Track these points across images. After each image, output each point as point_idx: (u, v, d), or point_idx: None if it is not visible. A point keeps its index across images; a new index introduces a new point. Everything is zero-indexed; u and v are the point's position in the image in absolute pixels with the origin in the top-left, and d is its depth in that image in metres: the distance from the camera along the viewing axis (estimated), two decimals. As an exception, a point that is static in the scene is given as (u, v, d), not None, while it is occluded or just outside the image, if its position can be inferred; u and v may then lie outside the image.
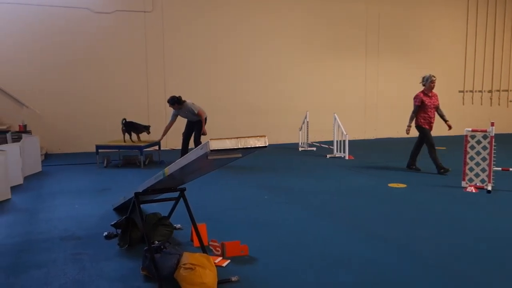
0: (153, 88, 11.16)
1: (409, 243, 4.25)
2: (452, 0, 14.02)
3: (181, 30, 11.26)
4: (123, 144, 8.75)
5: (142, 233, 3.96)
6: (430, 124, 7.85)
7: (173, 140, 11.29)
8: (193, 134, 8.84)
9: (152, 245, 3.55)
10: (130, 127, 8.88)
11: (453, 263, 3.75)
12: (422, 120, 7.80)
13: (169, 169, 3.54)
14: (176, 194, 4.09)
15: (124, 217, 4.23)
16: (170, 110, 11.32)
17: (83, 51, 10.55)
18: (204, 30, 11.45)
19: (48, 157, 9.77)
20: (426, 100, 7.72)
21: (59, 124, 10.51)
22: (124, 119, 8.96)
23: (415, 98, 7.81)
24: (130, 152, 9.16)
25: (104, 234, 4.43)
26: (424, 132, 7.81)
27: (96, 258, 3.88)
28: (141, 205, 3.92)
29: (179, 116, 8.83)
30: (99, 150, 8.68)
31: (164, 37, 11.11)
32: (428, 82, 7.70)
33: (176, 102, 8.64)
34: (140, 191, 3.93)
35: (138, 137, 8.98)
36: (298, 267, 3.68)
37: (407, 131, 7.91)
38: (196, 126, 8.82)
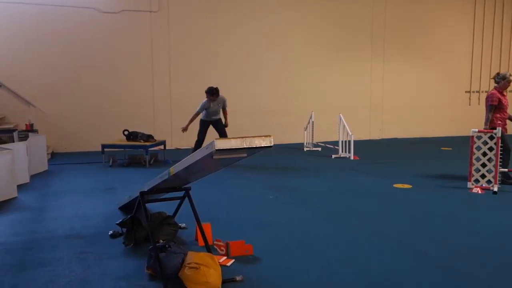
0: (158, 87, 11.18)
1: (414, 243, 4.24)
2: (459, 1, 13.94)
3: (186, 30, 11.28)
4: (129, 143, 8.78)
5: (147, 232, 3.97)
6: (505, 126, 6.95)
7: (179, 140, 11.31)
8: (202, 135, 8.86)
9: (157, 244, 3.56)
10: (132, 138, 8.92)
11: (458, 263, 3.73)
12: (498, 122, 6.88)
13: (174, 169, 3.55)
14: (181, 194, 4.09)
15: (129, 216, 4.24)
16: (178, 108, 11.41)
17: (90, 51, 10.59)
18: (209, 30, 11.45)
19: (54, 156, 9.82)
20: (503, 99, 6.91)
21: (65, 123, 10.55)
22: (126, 130, 9.00)
23: (491, 96, 6.92)
24: (135, 151, 9.19)
25: (109, 233, 4.45)
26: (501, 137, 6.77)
27: (101, 256, 3.89)
28: (146, 204, 3.93)
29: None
30: (105, 149, 8.71)
31: (170, 37, 11.13)
32: (504, 81, 6.92)
33: (215, 92, 8.68)
34: (146, 190, 3.94)
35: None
36: (301, 267, 3.68)
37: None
38: (219, 125, 8.87)
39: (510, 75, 6.94)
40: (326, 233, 4.56)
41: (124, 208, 5.26)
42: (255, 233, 4.54)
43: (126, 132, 9.02)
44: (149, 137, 8.92)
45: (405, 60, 13.46)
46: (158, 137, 9.71)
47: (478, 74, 14.30)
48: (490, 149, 6.47)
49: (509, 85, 6.98)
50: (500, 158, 6.48)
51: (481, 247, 4.15)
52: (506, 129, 6.94)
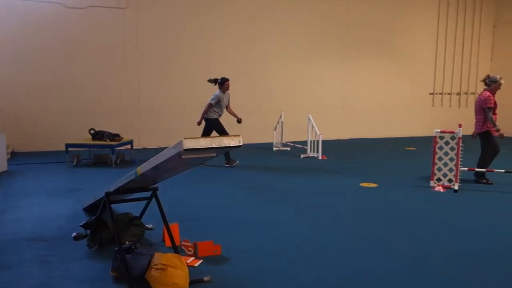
0: (126, 86, 10.99)
1: (385, 241, 4.32)
2: (425, 6, 14.31)
3: (157, 27, 11.12)
4: (94, 142, 8.59)
5: (113, 233, 3.89)
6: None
7: (146, 139, 11.16)
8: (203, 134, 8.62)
9: (123, 246, 3.49)
10: (98, 137, 8.70)
11: (426, 258, 3.82)
12: (489, 124, 6.96)
13: (141, 168, 3.49)
14: (148, 194, 4.03)
15: (94, 217, 4.14)
16: (146, 107, 11.25)
17: (54, 47, 10.30)
18: (180, 28, 11.34)
19: (14, 156, 9.50)
20: (496, 101, 6.97)
21: (27, 122, 10.23)
22: (92, 129, 8.81)
23: (488, 99, 6.89)
24: (101, 151, 9.00)
25: (72, 235, 4.33)
26: (491, 140, 7.01)
27: (64, 259, 3.79)
28: (112, 205, 3.85)
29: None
30: (69, 149, 8.49)
31: (139, 34, 10.96)
32: (496, 84, 7.00)
33: (227, 81, 8.39)
34: (111, 190, 3.86)
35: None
36: (272, 266, 3.69)
37: (503, 136, 6.88)
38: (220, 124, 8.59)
39: (500, 78, 7.08)
40: (296, 233, 4.58)
41: (89, 209, 5.14)
42: (223, 233, 4.53)
43: (92, 131, 8.82)
44: (115, 136, 8.73)
45: (374, 62, 13.71)
46: (125, 136, 9.56)
47: (441, 77, 14.71)
48: (452, 148, 6.67)
49: (499, 88, 7.09)
50: (486, 158, 6.93)
51: (445, 242, 4.27)
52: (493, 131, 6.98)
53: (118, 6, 10.68)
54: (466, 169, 6.85)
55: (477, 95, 15.17)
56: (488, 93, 7.00)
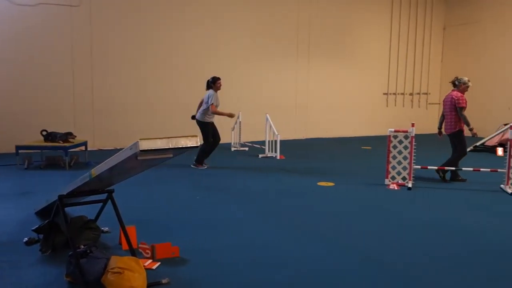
0: (79, 86, 10.68)
1: (342, 238, 4.41)
2: (379, 6, 14.69)
3: (110, 26, 10.87)
4: (47, 144, 8.30)
5: (67, 237, 3.79)
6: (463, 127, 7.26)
7: (101, 140, 10.90)
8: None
9: (78, 250, 3.41)
10: (50, 139, 8.41)
11: (382, 255, 3.93)
12: (463, 124, 7.14)
13: (96, 170, 3.42)
14: (103, 196, 3.95)
15: (46, 221, 4.01)
16: (100, 107, 10.97)
17: (2, 45, 9.88)
18: (135, 27, 11.13)
19: (-39, 159, 9.06)
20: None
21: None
22: (44, 130, 8.51)
23: (461, 98, 7.04)
24: (54, 152, 8.71)
25: (24, 240, 4.18)
26: (463, 139, 7.21)
27: (16, 265, 3.65)
28: (66, 208, 3.74)
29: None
30: (20, 151, 8.17)
31: (93, 33, 10.68)
32: (465, 86, 7.15)
33: (218, 80, 8.19)
34: (65, 193, 3.75)
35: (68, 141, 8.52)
36: (231, 267, 3.69)
37: (476, 134, 7.18)
38: (215, 126, 8.38)
39: (469, 80, 7.21)
40: (255, 233, 4.61)
41: (42, 213, 4.98)
42: (182, 234, 4.49)
43: (44, 133, 8.52)
44: (67, 135, 8.46)
45: (329, 62, 13.95)
46: (79, 137, 9.29)
47: (394, 77, 15.15)
48: (405, 147, 6.89)
49: (467, 90, 7.23)
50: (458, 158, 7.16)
51: (400, 238, 4.41)
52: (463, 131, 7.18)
53: (70, 4, 10.37)
54: (419, 167, 7.09)
55: (429, 96, 15.76)
56: (459, 93, 7.13)
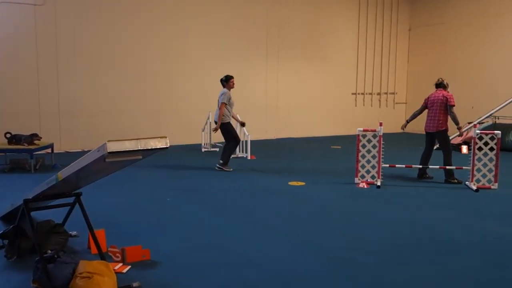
0: (45, 87, 10.40)
1: (312, 238, 4.44)
2: (346, 8, 14.90)
3: (76, 26, 10.63)
4: (10, 147, 8.05)
5: (33, 243, 3.68)
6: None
7: (68, 142, 10.66)
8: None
9: (45, 255, 3.32)
10: (15, 141, 8.14)
11: (352, 254, 3.98)
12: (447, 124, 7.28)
13: (62, 173, 3.34)
14: (71, 200, 3.86)
15: (11, 226, 3.90)
16: (67, 109, 10.71)
17: (-39, 45, 9.55)
18: (101, 27, 10.93)
19: None
20: None
21: None
22: (8, 132, 8.25)
23: (452, 97, 7.16)
24: (18, 155, 8.46)
25: (-12, 246, 4.05)
26: (448, 138, 7.37)
27: (-22, 273, 3.53)
28: (32, 213, 3.64)
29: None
30: (-18, 154, 7.90)
31: (58, 33, 10.42)
32: (448, 87, 7.33)
33: (231, 79, 8.00)
34: (30, 197, 3.65)
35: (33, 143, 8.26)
36: (203, 268, 3.67)
37: (463, 133, 7.39)
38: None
39: (447, 83, 7.36)
40: (227, 233, 4.60)
41: (6, 218, 4.82)
42: (153, 237, 4.44)
43: (8, 135, 8.26)
44: (32, 137, 8.22)
45: (298, 63, 14.06)
46: (45, 140, 9.05)
47: (362, 77, 15.40)
48: (374, 146, 7.01)
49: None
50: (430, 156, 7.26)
51: (369, 237, 4.48)
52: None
53: (34, 3, 10.10)
54: (388, 165, 7.22)
55: (396, 95, 16.08)
56: (449, 93, 7.23)
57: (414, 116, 7.65)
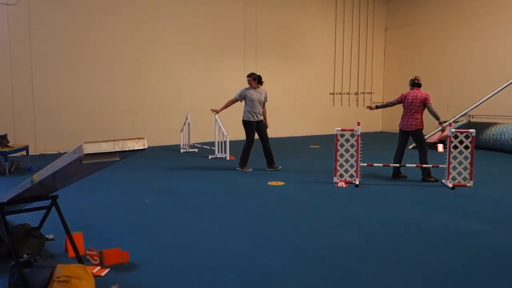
0: (18, 88, 10.17)
1: (291, 237, 4.46)
2: (322, 8, 15.01)
3: (50, 25, 10.43)
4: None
5: (8, 247, 3.60)
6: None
7: (44, 144, 10.46)
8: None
9: (20, 259, 3.25)
10: None
11: (330, 254, 4.01)
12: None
13: (38, 176, 3.28)
14: (47, 202, 3.79)
15: (-15, 230, 3.80)
16: (41, 109, 10.50)
17: None
18: (76, 26, 10.75)
19: None
20: None
21: None
22: None
23: (428, 96, 7.31)
24: (-8, 158, 8.26)
25: (-39, 251, 3.94)
26: (424, 136, 7.57)
27: (-49, 279, 3.43)
28: (7, 216, 3.56)
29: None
30: (-46, 157, 7.69)
31: (31, 33, 10.21)
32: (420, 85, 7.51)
33: (258, 78, 7.99)
34: (5, 201, 3.57)
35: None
36: (183, 269, 3.65)
37: (445, 128, 7.37)
38: (262, 127, 8.10)
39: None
40: (206, 234, 4.58)
41: (-21, 222, 4.70)
42: (132, 239, 4.39)
43: None
44: (1, 139, 8.01)
45: (276, 64, 14.09)
46: (20, 141, 8.88)
47: (340, 77, 15.54)
48: (352, 145, 7.08)
49: None
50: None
51: (348, 236, 4.52)
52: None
53: (6, 3, 9.87)
54: (366, 164, 7.30)
55: (373, 95, 16.27)
56: (424, 92, 7.33)
57: (385, 105, 7.86)
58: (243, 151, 8.25)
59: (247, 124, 8.10)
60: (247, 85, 8.17)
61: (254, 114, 8.02)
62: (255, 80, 8.06)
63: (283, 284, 3.39)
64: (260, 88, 8.15)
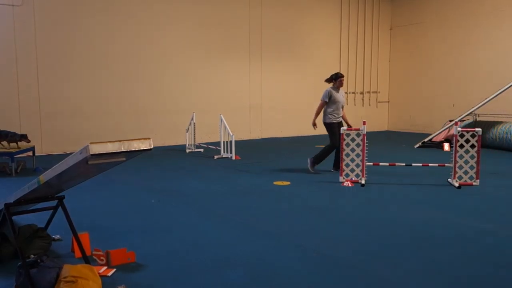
0: (25, 88, 10.23)
1: (296, 237, 4.45)
2: (327, 8, 14.98)
3: (56, 26, 10.48)
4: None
5: (15, 247, 3.62)
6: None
7: (50, 145, 10.51)
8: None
9: (27, 260, 3.26)
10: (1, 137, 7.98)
11: (337, 253, 4.00)
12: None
13: (44, 176, 3.29)
14: (53, 203, 3.80)
15: (-8, 231, 3.82)
16: (48, 110, 10.55)
17: None
18: (82, 26, 10.79)
19: None
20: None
21: None
22: None
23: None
24: (-1, 159, 8.31)
25: (-32, 252, 3.96)
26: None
27: (-41, 279, 3.45)
28: (14, 217, 3.58)
29: None
30: (-39, 158, 7.74)
31: (37, 34, 10.26)
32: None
33: (341, 77, 7.69)
34: (12, 201, 3.59)
35: (16, 144, 8.10)
36: (189, 269, 3.65)
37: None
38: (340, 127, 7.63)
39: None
40: (212, 234, 4.58)
41: (-13, 223, 4.73)
42: (138, 239, 4.40)
43: None
44: (22, 137, 8.05)
45: (281, 63, 14.08)
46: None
47: (345, 77, 15.45)
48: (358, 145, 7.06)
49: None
50: None
51: (354, 235, 4.51)
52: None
53: (12, 4, 9.92)
54: (372, 163, 7.27)
55: (378, 94, 16.23)
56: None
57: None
58: (325, 151, 7.87)
59: (330, 125, 7.80)
60: (337, 86, 7.81)
61: (336, 115, 7.79)
62: (337, 79, 7.79)
63: (289, 284, 3.38)
64: (341, 89, 7.92)
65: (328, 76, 7.99)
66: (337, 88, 7.82)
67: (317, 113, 7.91)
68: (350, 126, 7.78)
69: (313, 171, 7.84)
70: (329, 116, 7.80)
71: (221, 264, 3.76)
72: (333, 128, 7.78)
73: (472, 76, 13.74)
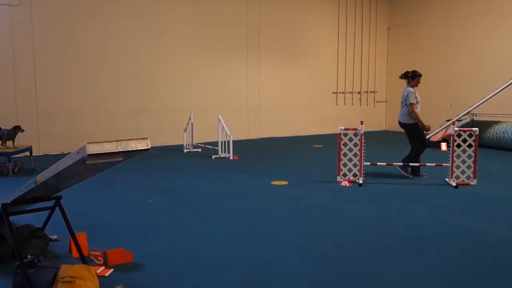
0: (22, 88, 10.20)
1: (294, 237, 4.46)
2: (325, 9, 14.98)
3: (53, 26, 10.46)
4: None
5: (12, 247, 3.61)
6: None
7: (47, 145, 10.49)
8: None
9: (25, 260, 3.26)
10: None
11: (334, 253, 4.01)
12: None
13: (42, 176, 3.28)
14: (51, 203, 3.80)
15: (-11, 231, 3.81)
16: (45, 110, 10.53)
17: None
18: (80, 26, 10.77)
19: None
20: None
21: None
22: None
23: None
24: (-4, 159, 8.30)
25: (-35, 252, 3.95)
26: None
27: (-44, 280, 3.45)
28: (11, 217, 3.57)
29: None
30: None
31: (34, 34, 10.23)
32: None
33: (419, 77, 7.36)
34: (9, 201, 3.58)
35: (13, 143, 8.09)
36: (187, 269, 3.65)
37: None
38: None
39: None
40: (210, 234, 4.58)
41: (-16, 223, 4.72)
42: (135, 239, 4.40)
43: None
44: (15, 129, 8.03)
45: (279, 63, 14.08)
46: (24, 142, 8.88)
47: (343, 76, 15.51)
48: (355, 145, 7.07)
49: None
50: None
51: (352, 235, 4.51)
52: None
53: (9, 4, 9.89)
54: (369, 163, 7.28)
55: (376, 94, 16.24)
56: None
57: None
58: (414, 156, 7.39)
59: (414, 126, 7.39)
60: (414, 85, 7.49)
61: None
62: (414, 78, 7.47)
63: (288, 284, 3.39)
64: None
65: (402, 73, 7.65)
66: (413, 87, 7.47)
67: (418, 116, 7.32)
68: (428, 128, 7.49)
69: (420, 176, 7.48)
70: (408, 116, 7.41)
71: (220, 264, 3.77)
72: (418, 128, 7.41)
73: (469, 76, 13.76)
